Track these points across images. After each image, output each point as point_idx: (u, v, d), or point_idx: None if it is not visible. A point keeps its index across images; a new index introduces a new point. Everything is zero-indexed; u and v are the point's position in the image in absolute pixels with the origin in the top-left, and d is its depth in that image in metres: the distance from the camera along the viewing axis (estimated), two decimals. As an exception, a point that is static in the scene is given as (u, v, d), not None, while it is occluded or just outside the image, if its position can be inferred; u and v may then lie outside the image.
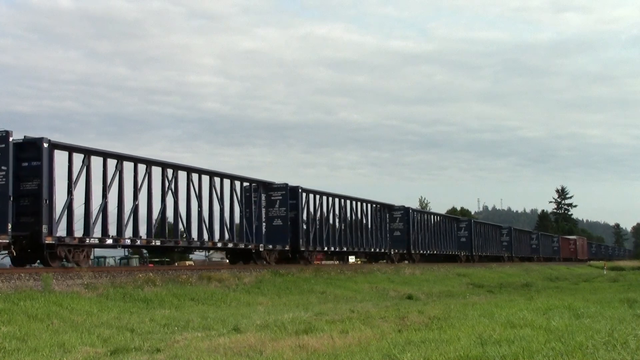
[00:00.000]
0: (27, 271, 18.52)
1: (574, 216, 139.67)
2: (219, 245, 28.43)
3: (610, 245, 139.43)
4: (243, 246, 29.34)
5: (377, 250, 41.27)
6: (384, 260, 42.89)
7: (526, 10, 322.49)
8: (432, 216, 52.43)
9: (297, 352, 9.03)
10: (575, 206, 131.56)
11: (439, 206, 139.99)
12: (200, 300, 19.09)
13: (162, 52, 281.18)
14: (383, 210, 43.12)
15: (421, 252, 46.56)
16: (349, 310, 15.47)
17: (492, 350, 8.01)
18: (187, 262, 48.32)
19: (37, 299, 15.29)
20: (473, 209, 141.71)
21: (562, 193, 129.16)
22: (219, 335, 10.93)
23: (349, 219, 38.18)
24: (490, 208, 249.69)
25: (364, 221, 39.97)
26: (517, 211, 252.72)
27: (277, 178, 40.44)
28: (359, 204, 39.54)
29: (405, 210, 45.11)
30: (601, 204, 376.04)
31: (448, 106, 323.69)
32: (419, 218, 47.16)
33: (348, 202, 38.21)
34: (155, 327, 12.33)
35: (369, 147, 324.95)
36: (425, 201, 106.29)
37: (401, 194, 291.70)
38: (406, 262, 44.41)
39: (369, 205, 41.22)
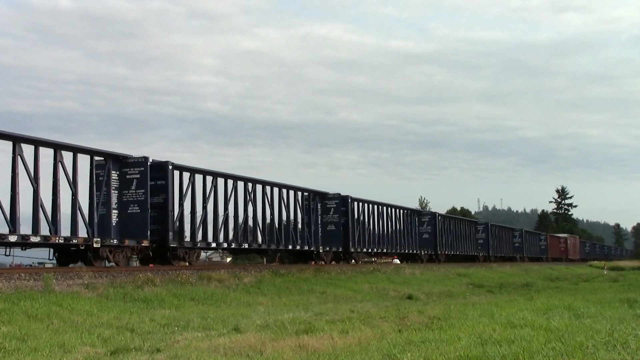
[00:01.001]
0: (27, 271, 18.53)
1: (574, 216, 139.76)
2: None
3: (606, 245, 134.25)
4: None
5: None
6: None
7: (526, 10, 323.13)
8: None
9: (297, 352, 9.03)
10: (575, 206, 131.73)
11: (439, 206, 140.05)
12: (200, 300, 19.08)
13: (162, 52, 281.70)
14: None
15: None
16: (349, 310, 15.46)
17: (492, 350, 8.01)
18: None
19: (37, 299, 15.27)
20: (473, 209, 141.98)
21: (562, 193, 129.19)
22: (219, 335, 10.93)
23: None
24: (490, 208, 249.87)
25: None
26: (517, 211, 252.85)
27: (277, 178, 42.18)
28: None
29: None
30: (601, 204, 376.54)
31: (448, 106, 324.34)
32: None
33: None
34: (155, 327, 12.33)
35: (369, 147, 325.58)
36: (425, 201, 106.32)
37: (401, 194, 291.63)
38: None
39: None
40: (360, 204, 39.53)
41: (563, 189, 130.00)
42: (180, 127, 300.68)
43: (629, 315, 12.14)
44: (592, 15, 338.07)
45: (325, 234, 35.80)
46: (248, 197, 29.50)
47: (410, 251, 45.96)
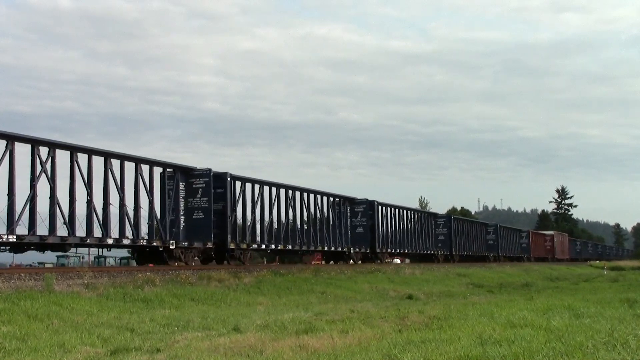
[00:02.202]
0: (27, 271, 18.54)
1: (574, 216, 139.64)
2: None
3: (600, 244, 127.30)
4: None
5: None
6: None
7: (526, 10, 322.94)
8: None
9: (297, 352, 9.03)
10: (575, 206, 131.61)
11: (439, 206, 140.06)
12: (200, 300, 19.08)
13: (162, 52, 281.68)
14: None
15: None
16: (349, 310, 15.46)
17: (492, 350, 8.01)
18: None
19: (37, 299, 15.28)
20: (473, 209, 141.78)
21: (562, 193, 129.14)
22: (219, 335, 10.93)
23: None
24: (490, 208, 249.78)
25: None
26: (517, 211, 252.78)
27: (277, 178, 42.31)
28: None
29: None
30: (601, 204, 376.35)
31: (448, 106, 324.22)
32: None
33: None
34: (155, 327, 12.32)
35: (369, 147, 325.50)
36: (425, 201, 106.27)
37: (401, 194, 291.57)
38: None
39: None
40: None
41: (563, 189, 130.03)
42: (180, 127, 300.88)
43: (629, 315, 12.14)
44: (592, 15, 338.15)
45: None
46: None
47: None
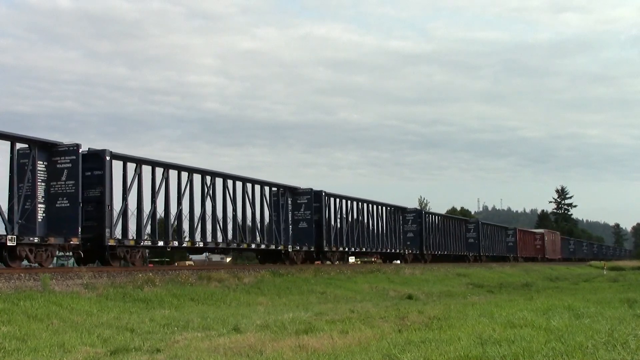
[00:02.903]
0: (27, 271, 18.52)
1: (574, 216, 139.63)
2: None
3: (596, 244, 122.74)
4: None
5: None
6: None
7: (525, 10, 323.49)
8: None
9: (297, 352, 9.03)
10: (575, 206, 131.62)
11: (439, 206, 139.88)
12: (200, 300, 19.08)
13: (162, 52, 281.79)
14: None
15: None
16: (349, 310, 15.46)
17: (492, 350, 8.01)
18: (187, 263, 48.28)
19: (37, 299, 15.27)
20: (473, 209, 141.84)
21: (562, 193, 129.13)
22: (219, 335, 10.93)
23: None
24: (490, 208, 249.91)
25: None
26: (517, 211, 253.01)
27: (277, 178, 41.71)
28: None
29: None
30: (601, 204, 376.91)
31: (448, 106, 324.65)
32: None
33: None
34: (155, 327, 12.32)
35: (369, 147, 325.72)
36: (425, 201, 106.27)
37: (401, 194, 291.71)
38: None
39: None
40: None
41: (563, 189, 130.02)
42: (180, 127, 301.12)
43: (629, 315, 12.14)
44: (591, 15, 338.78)
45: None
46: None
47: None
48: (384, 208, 43.14)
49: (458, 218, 60.31)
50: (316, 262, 35.26)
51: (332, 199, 36.35)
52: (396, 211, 45.16)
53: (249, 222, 30.44)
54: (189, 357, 8.81)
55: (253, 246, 30.40)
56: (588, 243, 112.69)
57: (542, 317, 11.85)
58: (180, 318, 13.71)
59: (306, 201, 34.04)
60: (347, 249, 37.84)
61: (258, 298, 21.16)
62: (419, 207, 52.85)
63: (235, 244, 29.04)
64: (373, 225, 41.23)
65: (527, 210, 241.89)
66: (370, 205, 41.11)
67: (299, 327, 11.60)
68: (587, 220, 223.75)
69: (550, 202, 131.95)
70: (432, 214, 53.16)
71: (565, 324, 10.48)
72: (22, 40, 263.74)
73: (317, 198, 34.53)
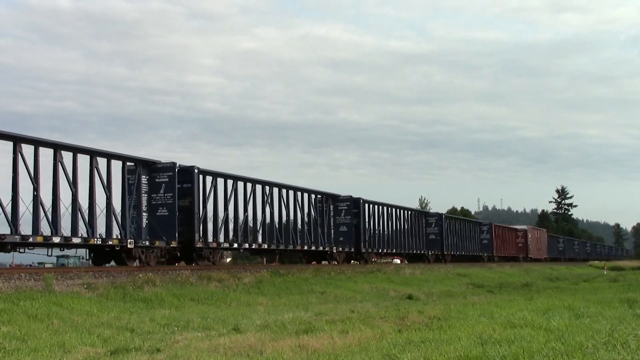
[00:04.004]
0: (27, 271, 18.54)
1: (574, 216, 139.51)
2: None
3: (589, 242, 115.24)
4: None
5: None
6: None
7: (525, 10, 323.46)
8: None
9: (297, 352, 9.03)
10: (575, 206, 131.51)
11: (439, 206, 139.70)
12: (200, 300, 19.08)
13: (161, 52, 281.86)
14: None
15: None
16: (349, 310, 15.46)
17: (492, 350, 8.01)
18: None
19: (37, 299, 15.28)
20: (473, 209, 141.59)
21: (562, 193, 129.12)
22: (219, 335, 10.93)
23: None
24: (490, 208, 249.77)
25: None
26: (517, 211, 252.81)
27: (277, 178, 42.15)
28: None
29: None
30: (601, 204, 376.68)
31: (448, 106, 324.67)
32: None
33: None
34: (155, 327, 12.33)
35: (369, 147, 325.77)
36: (426, 201, 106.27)
37: (401, 194, 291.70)
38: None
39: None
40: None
41: (563, 189, 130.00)
42: (180, 127, 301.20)
43: (629, 315, 12.14)
44: (591, 15, 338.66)
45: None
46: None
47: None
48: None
49: (416, 211, 50.58)
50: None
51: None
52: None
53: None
54: (189, 357, 8.81)
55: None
56: (580, 242, 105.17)
57: (542, 317, 11.85)
58: (181, 318, 13.71)
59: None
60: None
61: (258, 298, 21.17)
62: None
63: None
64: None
65: (527, 210, 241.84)
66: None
67: (299, 327, 11.60)
68: (587, 220, 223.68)
69: (551, 202, 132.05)
70: (372, 202, 42.77)
71: (565, 324, 10.48)
72: (22, 40, 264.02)
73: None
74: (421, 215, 49.60)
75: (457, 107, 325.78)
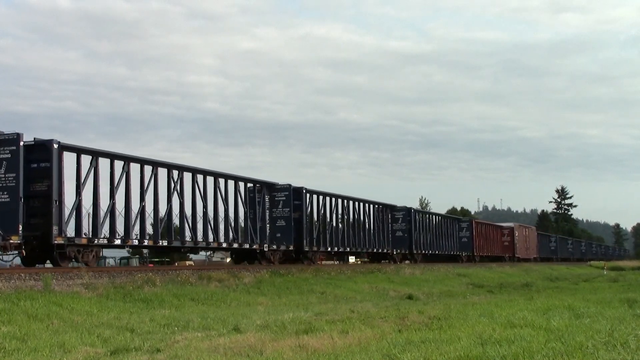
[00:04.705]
0: (27, 271, 18.52)
1: (574, 216, 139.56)
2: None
3: (584, 241, 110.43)
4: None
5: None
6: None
7: (525, 10, 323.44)
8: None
9: (297, 352, 9.03)
10: (575, 206, 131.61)
11: (439, 206, 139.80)
12: (200, 300, 19.08)
13: (161, 52, 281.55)
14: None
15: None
16: (349, 310, 15.46)
17: (492, 350, 8.01)
18: (187, 262, 48.28)
19: (37, 299, 15.28)
20: (473, 209, 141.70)
21: (562, 193, 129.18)
22: (219, 335, 10.93)
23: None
24: (490, 208, 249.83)
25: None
26: (517, 211, 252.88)
27: (277, 178, 41.39)
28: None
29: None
30: (601, 204, 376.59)
31: (448, 106, 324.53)
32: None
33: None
34: (155, 327, 12.33)
35: (369, 147, 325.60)
36: (426, 201, 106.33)
37: (401, 194, 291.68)
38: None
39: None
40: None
41: (563, 189, 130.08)
42: (180, 127, 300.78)
43: (629, 315, 12.14)
44: (591, 15, 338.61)
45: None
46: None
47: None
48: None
49: (378, 204, 43.34)
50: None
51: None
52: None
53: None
54: (189, 357, 8.81)
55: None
56: (574, 241, 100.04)
57: (542, 317, 11.85)
58: (181, 318, 13.71)
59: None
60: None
61: (258, 298, 21.17)
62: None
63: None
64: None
65: (527, 210, 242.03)
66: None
67: (299, 327, 11.60)
68: (587, 220, 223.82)
69: (550, 202, 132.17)
70: (323, 193, 38.40)
71: (565, 324, 10.49)
72: (22, 40, 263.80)
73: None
74: (386, 209, 42.86)
75: (457, 107, 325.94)
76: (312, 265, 33.29)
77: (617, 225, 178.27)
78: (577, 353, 7.68)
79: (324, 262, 41.89)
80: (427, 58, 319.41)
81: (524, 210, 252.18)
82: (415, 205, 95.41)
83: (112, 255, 47.33)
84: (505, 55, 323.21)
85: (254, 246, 30.52)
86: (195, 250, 30.81)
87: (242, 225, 31.00)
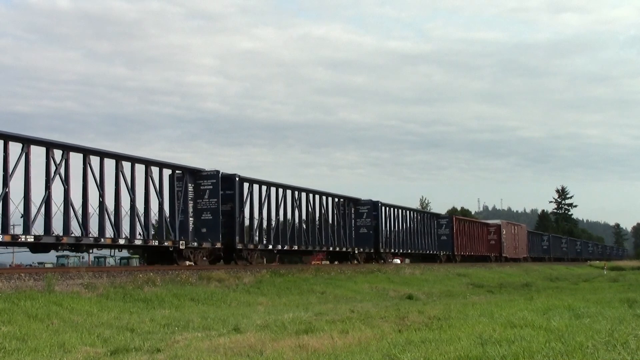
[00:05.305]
0: (27, 271, 18.55)
1: (574, 216, 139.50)
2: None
3: (580, 240, 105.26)
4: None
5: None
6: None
7: (524, 10, 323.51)
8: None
9: (297, 352, 9.03)
10: (575, 206, 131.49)
11: (439, 206, 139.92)
12: (200, 300, 19.08)
13: (161, 52, 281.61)
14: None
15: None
16: (349, 310, 15.46)
17: (492, 350, 8.01)
18: (187, 263, 48.19)
19: (37, 299, 15.28)
20: (473, 209, 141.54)
21: (562, 193, 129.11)
22: (219, 335, 10.93)
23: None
24: (490, 208, 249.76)
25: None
26: (517, 211, 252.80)
27: (277, 178, 42.23)
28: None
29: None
30: (601, 204, 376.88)
31: (447, 106, 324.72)
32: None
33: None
34: (155, 327, 12.32)
35: (369, 147, 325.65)
36: (426, 201, 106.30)
37: (401, 194, 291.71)
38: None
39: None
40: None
41: (563, 189, 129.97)
42: (180, 127, 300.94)
43: (629, 315, 12.14)
44: (590, 15, 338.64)
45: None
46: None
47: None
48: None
49: (340, 196, 38.49)
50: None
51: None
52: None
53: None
54: (189, 357, 8.81)
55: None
56: (569, 239, 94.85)
57: (542, 317, 11.85)
58: (181, 318, 13.71)
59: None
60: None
61: (258, 298, 21.17)
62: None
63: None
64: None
65: (528, 210, 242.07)
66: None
67: (299, 327, 11.60)
68: (587, 220, 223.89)
69: (551, 202, 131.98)
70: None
71: (565, 324, 10.49)
72: (21, 40, 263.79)
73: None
74: (349, 202, 38.31)
75: (457, 107, 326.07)
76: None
77: (617, 225, 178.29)
78: (577, 353, 7.68)
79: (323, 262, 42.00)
80: (427, 58, 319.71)
81: (524, 210, 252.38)
82: (416, 205, 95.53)
83: (112, 255, 46.95)
84: (505, 55, 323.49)
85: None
86: (78, 247, 22.89)
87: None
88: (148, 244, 24.61)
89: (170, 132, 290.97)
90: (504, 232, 61.96)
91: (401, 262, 46.03)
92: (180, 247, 25.43)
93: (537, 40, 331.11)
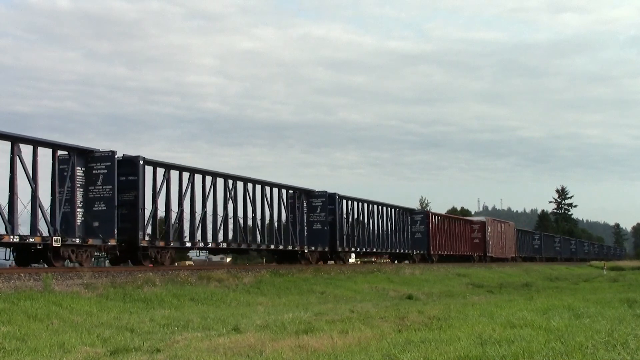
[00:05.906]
0: (27, 271, 18.52)
1: (574, 216, 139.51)
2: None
3: (574, 239, 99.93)
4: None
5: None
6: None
7: (524, 10, 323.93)
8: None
9: (297, 352, 9.02)
10: (575, 206, 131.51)
11: (439, 206, 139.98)
12: (200, 300, 19.08)
13: (161, 52, 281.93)
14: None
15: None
16: (348, 310, 15.46)
17: (492, 350, 8.01)
18: (187, 263, 48.26)
19: (37, 299, 15.28)
20: (473, 209, 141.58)
21: (562, 193, 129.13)
22: (219, 335, 10.93)
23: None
24: (490, 208, 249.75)
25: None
26: (517, 211, 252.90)
27: (277, 178, 41.74)
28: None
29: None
30: (601, 204, 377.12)
31: (447, 106, 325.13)
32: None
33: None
34: (155, 327, 12.32)
35: (369, 147, 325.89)
36: (426, 201, 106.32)
37: (401, 194, 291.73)
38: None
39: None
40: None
41: (563, 189, 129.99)
42: (180, 127, 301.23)
43: (628, 315, 12.14)
44: (590, 15, 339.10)
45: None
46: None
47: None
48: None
49: (290, 187, 33.81)
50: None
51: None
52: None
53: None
54: (189, 357, 8.81)
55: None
56: (563, 239, 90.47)
57: (542, 317, 11.85)
58: (180, 318, 13.71)
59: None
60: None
61: (258, 298, 21.17)
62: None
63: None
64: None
65: (527, 210, 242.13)
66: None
67: (298, 327, 11.60)
68: (587, 220, 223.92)
69: (551, 202, 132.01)
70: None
71: (565, 324, 10.49)
72: (21, 40, 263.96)
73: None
74: (300, 195, 34.17)
75: (457, 107, 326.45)
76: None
77: (617, 225, 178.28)
78: (577, 353, 7.68)
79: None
80: (427, 58, 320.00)
81: (524, 210, 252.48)
82: (416, 205, 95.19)
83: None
84: (505, 55, 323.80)
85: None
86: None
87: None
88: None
89: (170, 132, 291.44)
90: (489, 230, 56.98)
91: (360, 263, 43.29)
92: (54, 244, 19.77)
93: (537, 40, 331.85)
